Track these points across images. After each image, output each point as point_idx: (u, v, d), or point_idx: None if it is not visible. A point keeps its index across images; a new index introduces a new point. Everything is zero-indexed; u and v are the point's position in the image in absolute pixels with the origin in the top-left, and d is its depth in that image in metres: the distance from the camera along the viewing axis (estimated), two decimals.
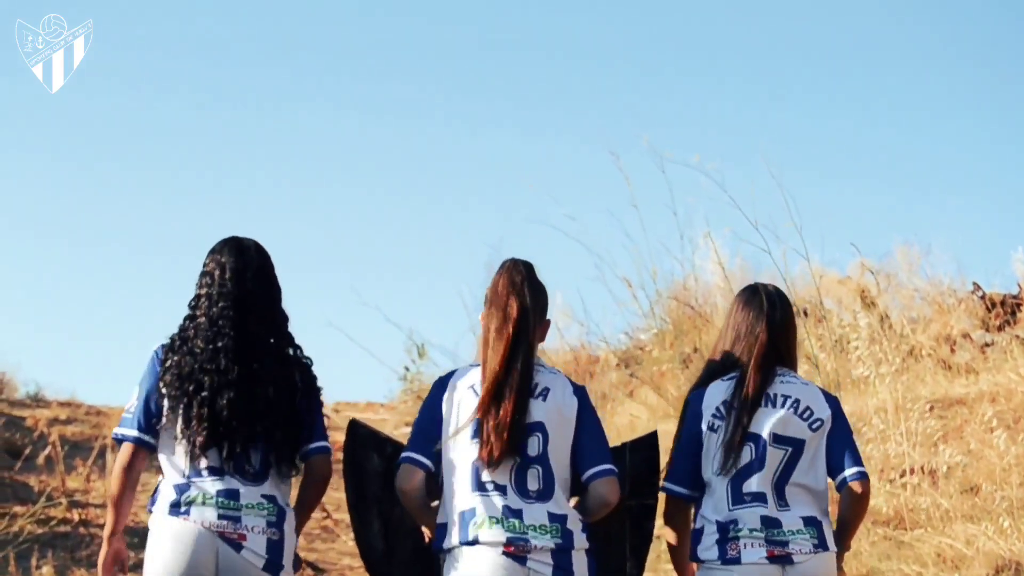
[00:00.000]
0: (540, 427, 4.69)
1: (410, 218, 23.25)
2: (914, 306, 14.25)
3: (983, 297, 13.32)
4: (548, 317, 4.91)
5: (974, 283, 13.68)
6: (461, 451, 4.68)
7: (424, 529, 4.88)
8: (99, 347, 22.03)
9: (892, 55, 22.48)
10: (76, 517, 11.60)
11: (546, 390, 4.74)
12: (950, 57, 22.06)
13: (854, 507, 4.92)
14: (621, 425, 13.71)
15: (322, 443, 4.89)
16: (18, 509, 11.41)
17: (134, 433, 4.75)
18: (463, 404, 4.73)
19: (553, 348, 16.98)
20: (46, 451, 12.88)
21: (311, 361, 4.97)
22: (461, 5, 23.51)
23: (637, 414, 13.79)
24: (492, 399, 4.65)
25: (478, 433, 4.65)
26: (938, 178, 22.62)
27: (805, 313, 12.51)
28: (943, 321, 13.29)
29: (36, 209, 22.86)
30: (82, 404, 17.37)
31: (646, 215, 12.72)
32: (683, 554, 5.01)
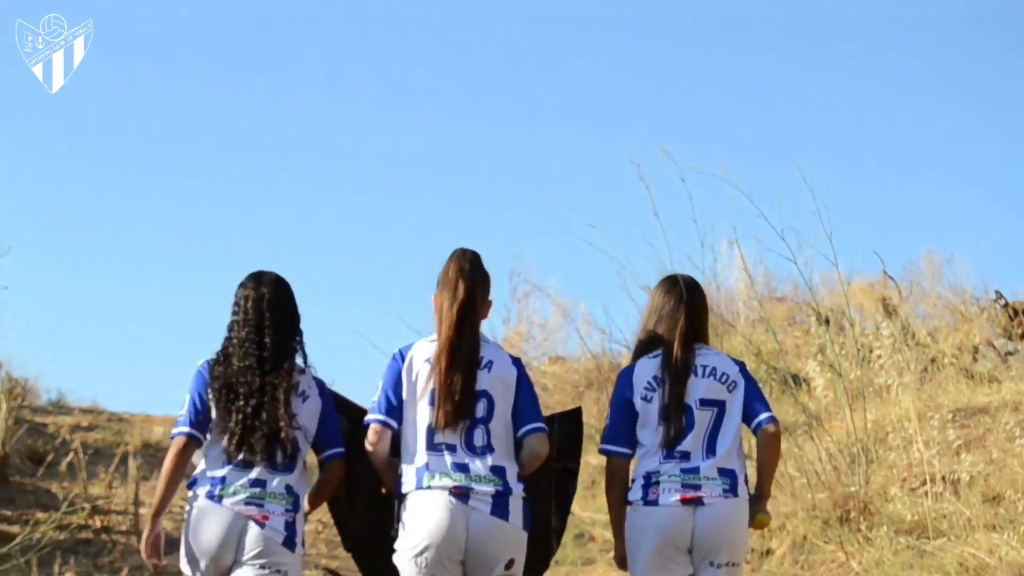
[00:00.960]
0: (485, 394, 5.52)
1: (432, 227, 23.27)
2: (936, 314, 14.21)
3: (1005, 306, 13.28)
4: (490, 299, 5.72)
5: (996, 292, 13.65)
6: (419, 415, 5.51)
7: (384, 481, 5.65)
8: (120, 354, 22.07)
9: (918, 66, 22.43)
10: (98, 524, 11.63)
11: (490, 362, 5.57)
12: (977, 68, 22.00)
13: (768, 448, 5.75)
14: None
15: (337, 449, 5.76)
16: (40, 515, 11.45)
17: (187, 429, 5.61)
18: (420, 374, 5.54)
19: (574, 355, 16.99)
20: (68, 458, 12.91)
21: (320, 379, 5.84)
22: (483, 16, 23.52)
23: None
24: (446, 369, 5.47)
25: (432, 400, 5.48)
26: (961, 187, 22.56)
27: (827, 321, 12.48)
28: (965, 329, 13.25)
29: (37, 210, 22.80)
30: (104, 411, 17.39)
31: (667, 223, 12.69)
32: (618, 506, 5.76)
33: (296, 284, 5.86)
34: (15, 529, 11.10)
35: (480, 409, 5.49)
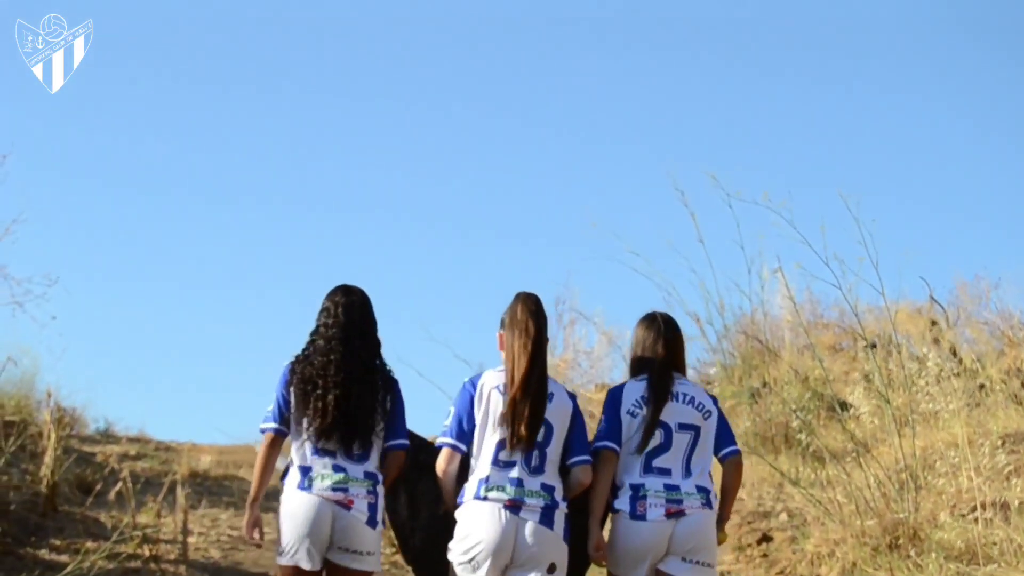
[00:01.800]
0: (547, 423, 6.31)
1: (478, 256, 23.31)
2: (984, 339, 14.13)
3: None
4: (547, 336, 6.49)
5: None
6: (489, 436, 6.30)
7: (447, 500, 6.40)
8: (167, 383, 22.15)
9: (963, 91, 22.35)
10: (147, 553, 11.67)
11: (552, 394, 6.39)
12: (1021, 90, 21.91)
13: (732, 475, 6.61)
14: None
15: (400, 440, 6.51)
16: (90, 545, 11.50)
17: (273, 425, 6.46)
18: (493, 399, 6.34)
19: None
20: (117, 487, 12.96)
21: (396, 378, 6.60)
22: (525, 42, 23.57)
23: None
24: (520, 400, 6.25)
25: (503, 423, 6.25)
26: (1006, 211, 22.44)
27: (874, 347, 12.42)
28: (1014, 354, 13.18)
29: (47, 221, 22.78)
30: (151, 440, 17.48)
31: (713, 250, 12.71)
32: (601, 495, 6.46)
33: None
34: (65, 558, 11.17)
35: (540, 435, 6.29)
